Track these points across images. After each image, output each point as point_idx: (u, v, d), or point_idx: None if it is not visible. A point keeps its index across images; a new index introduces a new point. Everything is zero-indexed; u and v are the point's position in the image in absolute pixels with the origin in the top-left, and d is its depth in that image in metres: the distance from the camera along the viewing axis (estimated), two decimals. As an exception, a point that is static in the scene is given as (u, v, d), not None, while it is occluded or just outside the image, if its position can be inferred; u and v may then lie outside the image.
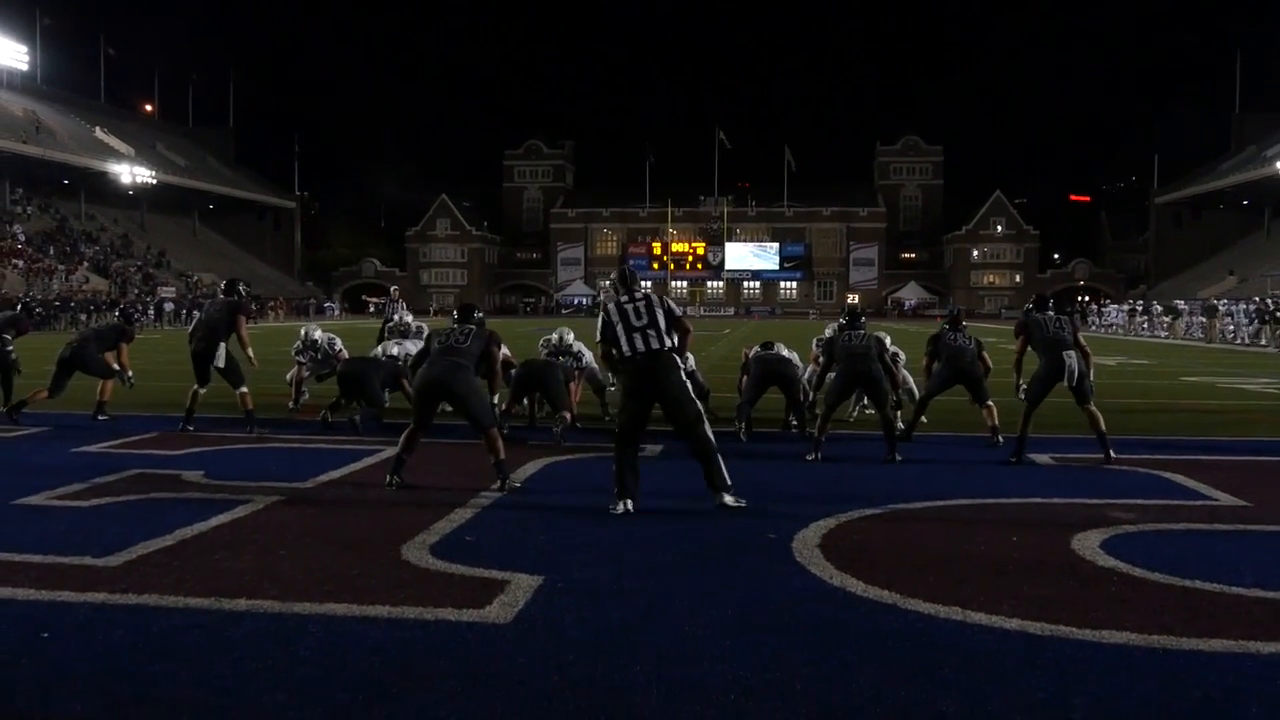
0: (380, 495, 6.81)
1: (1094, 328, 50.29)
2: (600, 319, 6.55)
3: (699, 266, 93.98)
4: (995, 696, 3.39)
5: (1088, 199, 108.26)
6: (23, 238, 58.95)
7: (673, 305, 6.62)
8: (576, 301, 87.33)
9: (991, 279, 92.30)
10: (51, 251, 59.21)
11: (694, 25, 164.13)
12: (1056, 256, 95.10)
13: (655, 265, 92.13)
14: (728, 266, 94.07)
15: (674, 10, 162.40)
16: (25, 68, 71.27)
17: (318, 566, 4.94)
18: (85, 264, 59.78)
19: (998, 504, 6.67)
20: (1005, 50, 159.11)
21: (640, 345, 6.33)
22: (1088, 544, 5.46)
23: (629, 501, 6.19)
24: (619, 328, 6.39)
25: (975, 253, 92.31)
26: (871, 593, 4.56)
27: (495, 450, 6.93)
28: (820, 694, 3.40)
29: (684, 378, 6.44)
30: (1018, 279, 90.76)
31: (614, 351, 6.47)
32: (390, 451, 8.27)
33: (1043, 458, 8.44)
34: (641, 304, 6.45)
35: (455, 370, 6.91)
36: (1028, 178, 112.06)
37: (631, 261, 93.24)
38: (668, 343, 6.39)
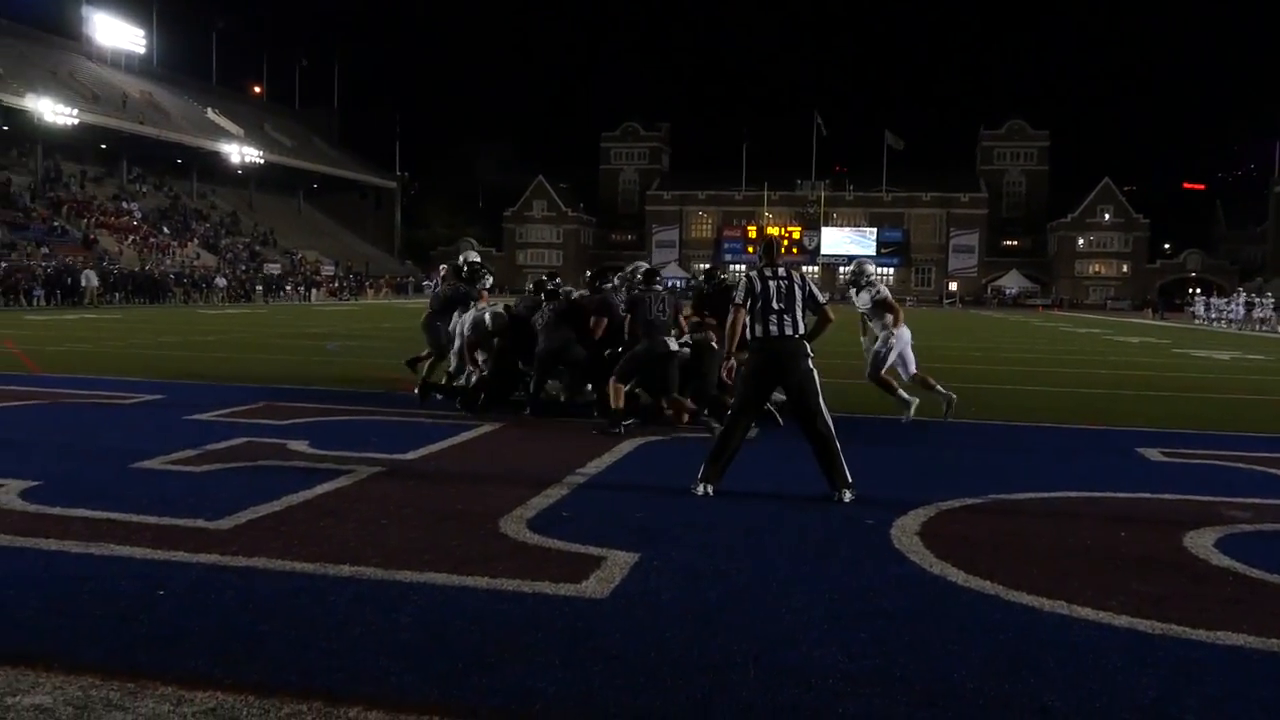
0: (479, 469, 6.91)
1: (1197, 321, 48.36)
2: (745, 285, 6.32)
3: (795, 251, 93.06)
4: (1103, 694, 3.29)
5: (1203, 187, 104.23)
6: (139, 215, 61.24)
7: (815, 290, 6.40)
8: (671, 284, 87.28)
9: (1097, 269, 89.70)
10: (165, 229, 61.38)
11: (794, 6, 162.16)
12: (1167, 246, 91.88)
13: (750, 249, 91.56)
14: (824, 251, 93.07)
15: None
16: (142, 51, 74.00)
17: (418, 536, 5.04)
18: (196, 240, 61.84)
19: (1105, 497, 6.47)
20: (1117, 32, 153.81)
21: (774, 329, 6.18)
22: (1201, 542, 5.26)
23: (710, 486, 6.13)
24: (759, 304, 6.21)
25: (1081, 241, 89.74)
26: (973, 583, 4.47)
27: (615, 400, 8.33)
28: (920, 682, 3.35)
29: (811, 366, 6.25)
30: (1125, 269, 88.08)
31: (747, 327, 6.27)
32: (489, 428, 8.44)
33: (1152, 452, 8.15)
34: (784, 283, 6.26)
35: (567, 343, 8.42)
36: (1138, 164, 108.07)
37: (726, 245, 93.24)
38: (801, 329, 6.26)
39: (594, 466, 6.95)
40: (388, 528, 5.22)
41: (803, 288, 6.32)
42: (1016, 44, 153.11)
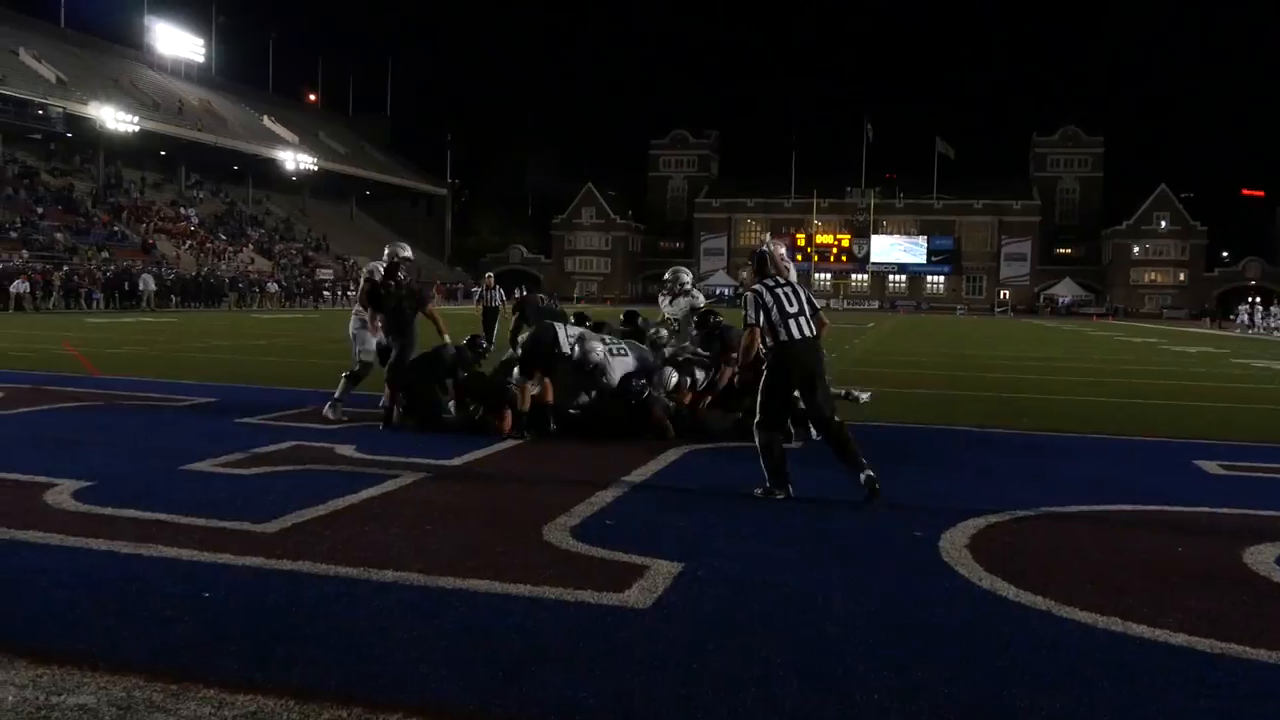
0: (524, 476, 6.91)
1: (1243, 330, 47.24)
2: (752, 301, 6.35)
3: (844, 259, 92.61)
4: (1159, 716, 3.19)
5: (1262, 194, 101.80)
6: (196, 220, 62.36)
7: (810, 295, 6.57)
8: (719, 291, 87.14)
9: (1153, 277, 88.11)
10: (221, 234, 62.42)
11: (842, 12, 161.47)
12: (1225, 255, 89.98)
13: (799, 257, 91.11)
14: (873, 259, 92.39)
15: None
16: (201, 60, 75.50)
17: (462, 543, 5.03)
18: (250, 246, 62.83)
19: (1161, 511, 6.31)
20: (1173, 35, 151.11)
21: (796, 332, 6.25)
22: (1262, 558, 5.11)
23: (790, 488, 6.21)
24: (773, 313, 6.27)
25: (1136, 249, 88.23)
26: (1024, 597, 4.36)
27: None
28: (968, 700, 3.26)
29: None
30: (1182, 277, 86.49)
31: (766, 338, 6.34)
32: (528, 437, 8.42)
33: (1211, 465, 7.94)
34: (789, 289, 6.37)
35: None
36: (1196, 171, 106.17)
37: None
38: (818, 329, 6.38)
39: (639, 475, 6.91)
40: (431, 533, 5.22)
41: (805, 291, 6.46)
42: (1070, 49, 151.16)
